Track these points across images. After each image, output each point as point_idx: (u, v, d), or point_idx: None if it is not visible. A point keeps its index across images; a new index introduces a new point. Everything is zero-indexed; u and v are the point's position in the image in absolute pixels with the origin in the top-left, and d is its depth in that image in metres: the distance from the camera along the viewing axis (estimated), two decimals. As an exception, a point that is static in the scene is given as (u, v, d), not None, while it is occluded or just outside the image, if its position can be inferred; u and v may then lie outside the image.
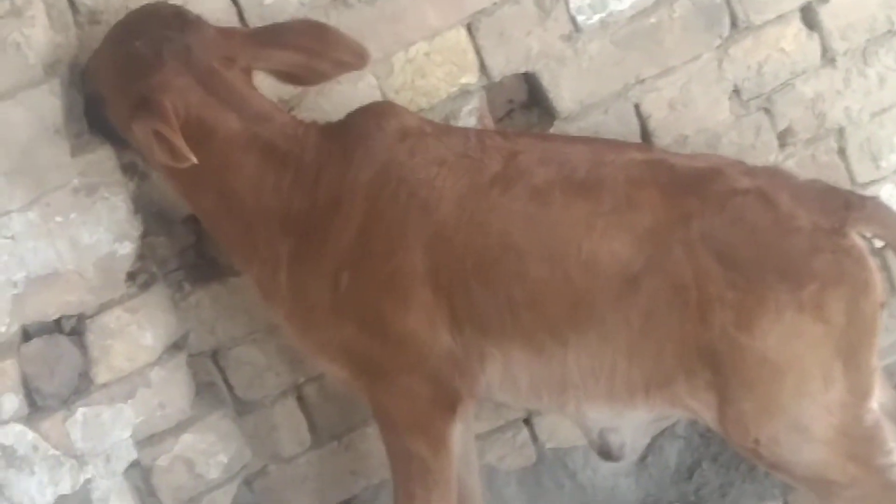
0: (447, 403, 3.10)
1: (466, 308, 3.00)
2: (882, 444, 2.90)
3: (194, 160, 2.88)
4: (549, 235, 2.95)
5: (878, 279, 2.88)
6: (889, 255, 3.36)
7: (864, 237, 2.94)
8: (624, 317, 2.92)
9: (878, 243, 3.15)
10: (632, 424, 3.12)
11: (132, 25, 3.05)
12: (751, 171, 3.00)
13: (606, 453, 3.17)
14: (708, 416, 2.97)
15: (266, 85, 3.17)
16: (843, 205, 2.92)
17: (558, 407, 3.12)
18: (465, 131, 3.20)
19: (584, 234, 2.93)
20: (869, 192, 3.66)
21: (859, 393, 2.88)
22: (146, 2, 3.13)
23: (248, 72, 3.09)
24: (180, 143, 2.87)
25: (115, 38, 3.07)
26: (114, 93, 3.04)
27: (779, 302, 2.84)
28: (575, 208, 2.95)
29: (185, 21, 3.03)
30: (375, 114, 3.13)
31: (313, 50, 3.05)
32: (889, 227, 2.94)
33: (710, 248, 2.87)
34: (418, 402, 3.10)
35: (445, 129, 3.19)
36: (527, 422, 3.71)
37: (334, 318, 3.07)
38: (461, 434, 3.18)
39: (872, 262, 2.89)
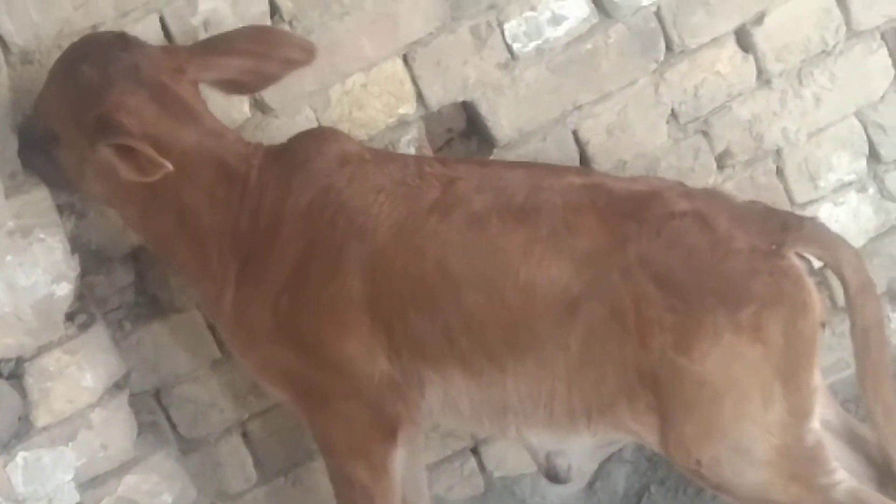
0: (387, 429, 3.09)
1: (404, 334, 3.00)
2: (824, 464, 2.91)
3: (170, 167, 2.87)
4: (486, 262, 2.95)
5: (815, 299, 2.89)
6: (829, 274, 3.37)
7: (802, 257, 2.95)
8: (562, 342, 2.92)
9: (818, 263, 3.15)
10: (578, 448, 3.12)
11: (75, 55, 3.04)
12: (689, 194, 3.01)
13: (554, 476, 3.17)
14: (651, 438, 2.97)
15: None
16: (781, 226, 2.93)
17: (500, 432, 3.12)
18: (404, 158, 3.21)
19: (522, 260, 2.93)
20: (808, 211, 3.68)
21: (800, 413, 2.88)
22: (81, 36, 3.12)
23: (195, 86, 3.08)
24: (151, 151, 2.86)
25: (60, 71, 3.05)
26: (67, 125, 3.02)
27: (717, 324, 2.84)
28: (512, 234, 2.95)
29: (126, 42, 3.03)
30: (316, 139, 3.14)
31: (259, 52, 3.04)
32: (827, 247, 2.95)
33: (648, 271, 2.87)
34: (358, 427, 3.09)
35: (385, 156, 3.19)
36: (474, 451, 3.71)
37: (274, 341, 3.07)
38: (403, 460, 3.16)
39: (810, 283, 2.90)
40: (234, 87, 3.12)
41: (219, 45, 3.07)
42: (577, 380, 2.94)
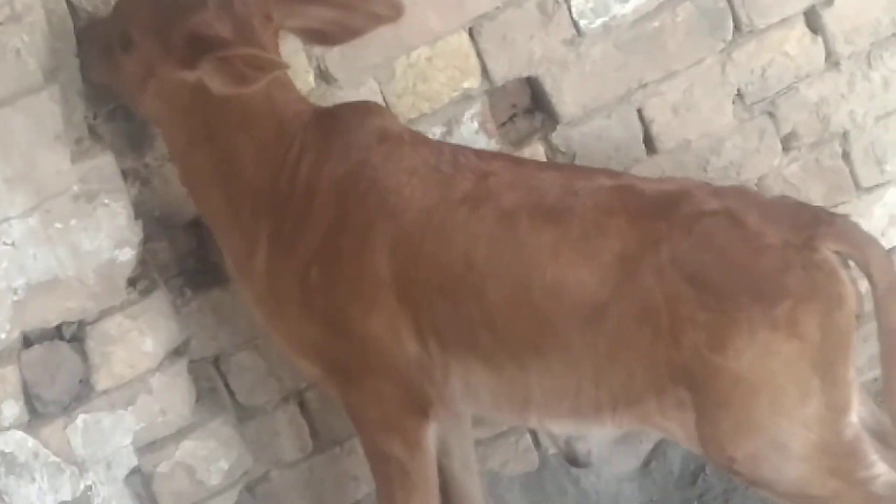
0: (418, 407, 3.09)
1: (429, 320, 2.99)
2: (863, 458, 2.87)
3: (288, 65, 2.91)
4: (513, 259, 2.94)
5: (850, 292, 2.84)
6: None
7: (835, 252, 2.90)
8: (590, 343, 2.90)
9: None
10: (599, 435, 3.10)
11: None
12: (718, 192, 2.98)
13: (573, 460, 3.16)
14: (680, 434, 2.94)
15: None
16: (813, 220, 2.89)
17: (521, 421, 3.13)
18: (440, 145, 3.18)
19: (550, 260, 2.91)
20: (874, 195, 3.66)
21: (837, 407, 2.85)
22: None
23: (277, 34, 3.06)
24: (264, 54, 2.88)
25: None
26: (148, 34, 3.01)
27: (752, 321, 2.81)
28: (542, 234, 2.94)
29: None
30: (360, 111, 3.13)
31: (347, 4, 3.03)
32: (857, 245, 2.89)
33: (681, 270, 2.85)
34: (388, 404, 3.09)
35: (422, 140, 3.17)
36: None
37: (303, 312, 3.07)
38: (437, 435, 3.15)
39: (845, 275, 2.85)
40: (317, 37, 3.11)
41: None
42: (606, 377, 2.92)
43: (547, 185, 3.00)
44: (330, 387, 3.18)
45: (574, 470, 3.71)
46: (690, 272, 2.84)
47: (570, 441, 3.11)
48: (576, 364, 2.93)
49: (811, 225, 2.87)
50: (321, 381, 3.20)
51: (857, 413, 2.89)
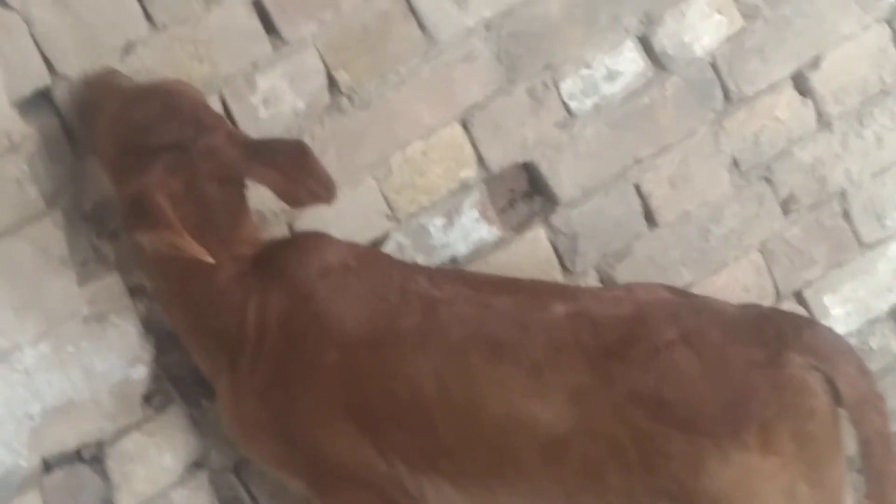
0: None
1: (389, 446, 2.98)
2: None
3: (210, 259, 2.87)
4: (463, 394, 2.90)
5: (823, 402, 2.79)
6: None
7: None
8: (555, 475, 2.87)
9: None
10: None
11: (149, 108, 2.98)
12: (676, 315, 2.89)
13: None
14: None
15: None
16: (777, 335, 2.83)
17: None
18: (390, 269, 3.11)
19: (501, 395, 2.88)
20: (877, 252, 3.68)
21: None
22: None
23: (242, 186, 3.03)
24: (178, 241, 2.84)
25: (123, 111, 3.00)
26: (108, 167, 3.02)
27: (721, 447, 2.75)
28: (491, 370, 2.90)
29: (200, 117, 2.99)
30: (298, 249, 3.10)
31: (293, 174, 2.97)
32: (825, 358, 2.82)
33: (641, 407, 2.80)
34: None
35: (371, 263, 3.12)
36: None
37: (272, 434, 3.07)
38: None
39: (815, 384, 2.79)
40: (279, 196, 3.03)
41: (267, 153, 2.99)
42: (578, 502, 2.89)
43: (499, 315, 2.95)
44: (311, 496, 3.16)
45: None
46: (651, 408, 2.79)
47: None
48: (544, 492, 2.89)
49: (776, 340, 2.81)
50: (301, 490, 3.17)
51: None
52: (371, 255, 3.24)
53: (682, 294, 3.08)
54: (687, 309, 2.95)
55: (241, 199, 3.04)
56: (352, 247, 3.19)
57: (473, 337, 2.93)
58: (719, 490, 2.78)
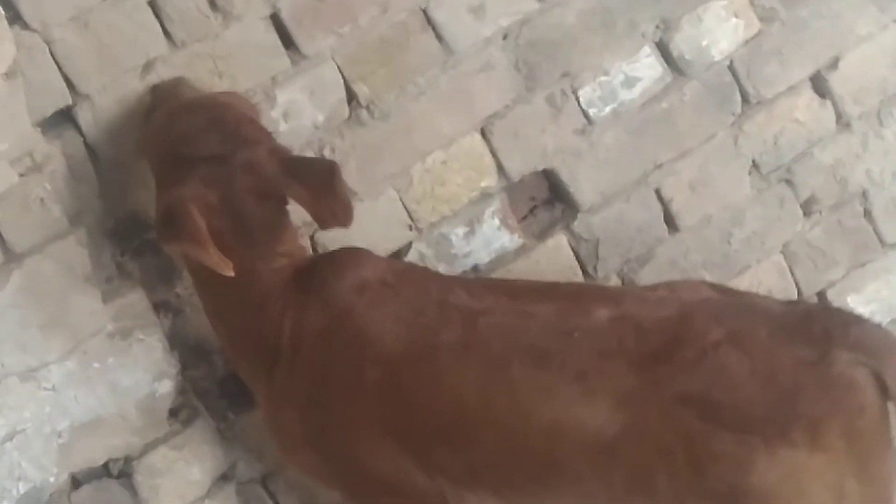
0: None
1: (431, 461, 2.97)
2: None
3: (231, 273, 2.87)
4: (507, 405, 2.89)
5: (873, 398, 2.77)
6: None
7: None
8: (603, 480, 2.85)
9: None
10: None
11: (199, 119, 3.00)
12: (720, 315, 2.87)
13: None
14: None
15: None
16: (825, 332, 2.80)
17: None
18: (428, 284, 3.09)
19: (545, 402, 2.86)
20: (902, 250, 3.68)
21: (878, 502, 2.80)
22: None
23: (282, 202, 3.04)
24: (206, 254, 2.84)
25: (171, 122, 3.02)
26: (155, 169, 3.05)
27: (769, 444, 2.74)
28: (535, 379, 2.88)
29: (243, 134, 3.00)
30: (335, 264, 3.09)
31: (318, 194, 2.98)
32: (873, 354, 2.79)
33: (690, 409, 2.79)
34: None
35: (408, 279, 3.09)
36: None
37: (311, 449, 3.07)
38: None
39: (864, 380, 2.77)
40: (307, 211, 3.05)
41: (299, 171, 3.00)
42: None
43: (540, 324, 2.93)
44: None
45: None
46: (700, 410, 2.79)
47: None
48: (591, 497, 2.89)
49: (824, 337, 2.79)
50: (342, 502, 3.21)
51: None
52: (408, 270, 3.24)
53: (726, 291, 3.06)
54: (731, 308, 2.93)
55: (282, 213, 3.05)
56: (389, 262, 3.22)
57: (515, 347, 2.91)
58: (768, 488, 2.77)
